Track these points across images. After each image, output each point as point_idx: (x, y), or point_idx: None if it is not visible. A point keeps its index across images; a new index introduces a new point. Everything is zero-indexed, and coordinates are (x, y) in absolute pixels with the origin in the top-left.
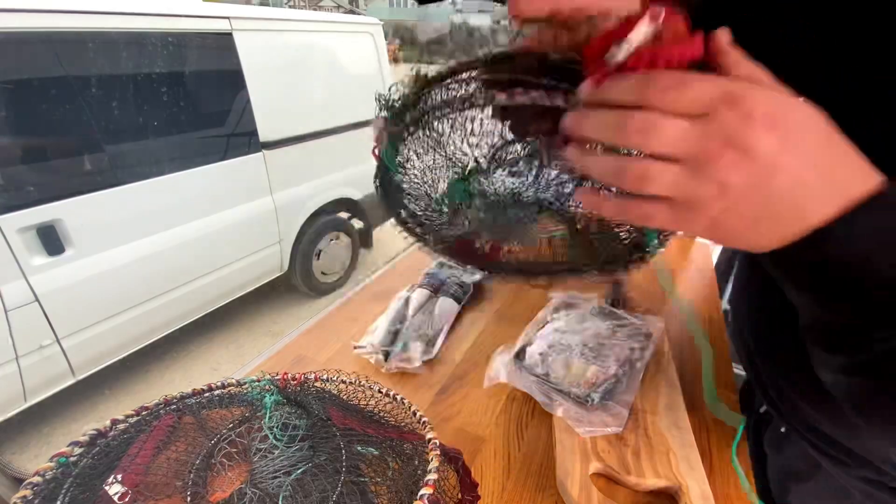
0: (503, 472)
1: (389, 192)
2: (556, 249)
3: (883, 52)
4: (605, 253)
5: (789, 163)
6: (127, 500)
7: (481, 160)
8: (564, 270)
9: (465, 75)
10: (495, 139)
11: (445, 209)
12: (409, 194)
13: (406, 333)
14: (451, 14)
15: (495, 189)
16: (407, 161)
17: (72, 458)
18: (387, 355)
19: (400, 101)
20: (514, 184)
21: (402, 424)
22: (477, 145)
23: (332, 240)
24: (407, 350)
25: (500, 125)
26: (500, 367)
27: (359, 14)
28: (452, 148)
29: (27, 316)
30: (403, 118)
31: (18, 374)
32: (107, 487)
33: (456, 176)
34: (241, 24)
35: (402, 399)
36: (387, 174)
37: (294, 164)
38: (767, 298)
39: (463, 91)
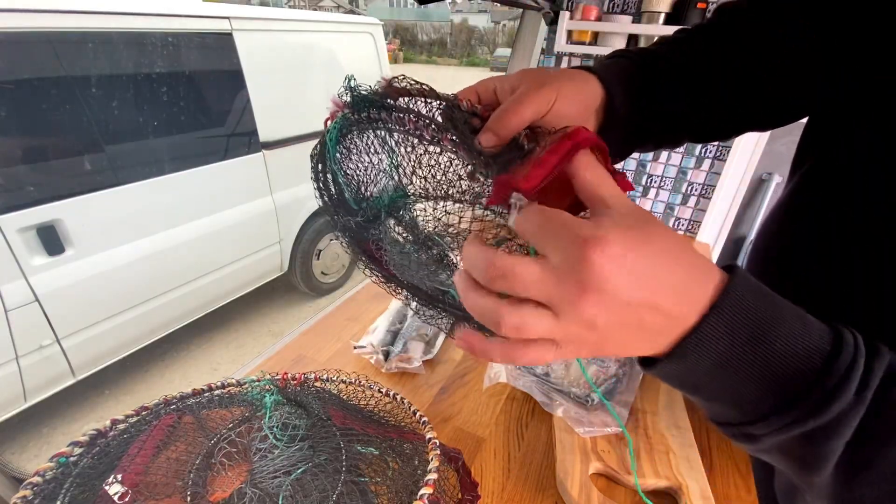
0: (503, 472)
1: (324, 160)
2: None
3: (883, 52)
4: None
5: (626, 307)
6: (127, 499)
7: (416, 188)
8: (449, 310)
9: (430, 105)
10: (439, 177)
11: (364, 208)
12: (343, 173)
13: (406, 333)
14: (450, 14)
15: (415, 224)
16: (348, 151)
17: (72, 458)
18: (387, 355)
19: (362, 95)
20: (432, 228)
21: (402, 424)
22: (420, 174)
23: (332, 240)
24: (407, 350)
25: (450, 165)
26: (500, 367)
27: (359, 14)
28: (394, 163)
29: (27, 316)
30: (360, 111)
31: (18, 374)
32: (107, 487)
33: (386, 190)
34: (241, 24)
35: (402, 399)
36: (321, 157)
37: (294, 164)
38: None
39: (416, 120)
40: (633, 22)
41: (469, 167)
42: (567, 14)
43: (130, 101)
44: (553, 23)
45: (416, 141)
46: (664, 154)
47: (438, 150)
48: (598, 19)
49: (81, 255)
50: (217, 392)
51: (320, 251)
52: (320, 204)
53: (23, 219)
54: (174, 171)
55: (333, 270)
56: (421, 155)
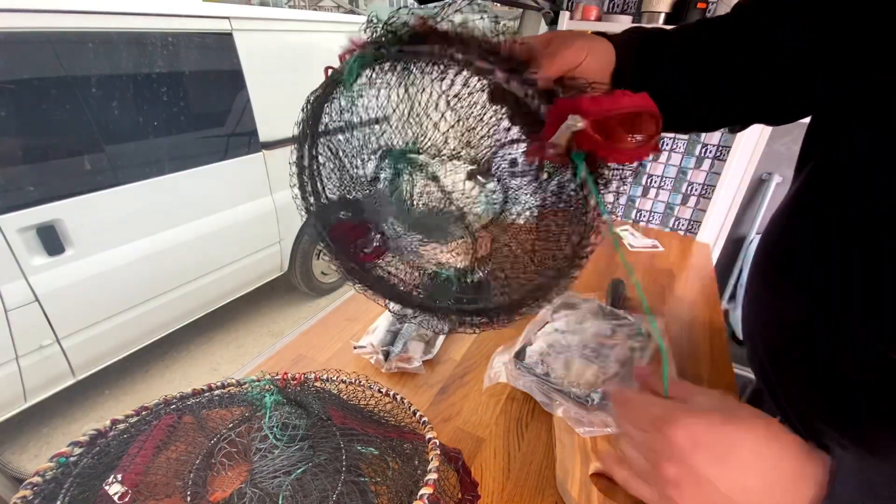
0: (503, 472)
1: (315, 116)
2: (425, 280)
3: (883, 52)
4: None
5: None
6: (127, 499)
7: (445, 146)
8: (422, 305)
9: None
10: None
11: (367, 168)
12: (336, 131)
13: (406, 333)
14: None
15: (435, 184)
16: (360, 92)
17: (72, 458)
18: (387, 355)
19: (394, 31)
20: (457, 190)
21: (402, 424)
22: (452, 127)
23: None
24: (407, 350)
25: (491, 119)
26: (500, 367)
27: (359, 14)
28: (417, 112)
29: (27, 316)
30: (388, 48)
31: (18, 374)
32: (107, 487)
33: (406, 143)
34: (241, 24)
35: (402, 399)
36: (325, 99)
37: None
38: (780, 306)
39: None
40: (633, 22)
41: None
42: (567, 14)
43: (130, 101)
44: (553, 23)
45: (453, 74)
46: (664, 154)
47: (479, 86)
48: (598, 19)
49: (81, 255)
50: (217, 392)
51: (320, 251)
52: (302, 179)
53: (23, 219)
54: (174, 171)
55: (333, 270)
56: (453, 94)
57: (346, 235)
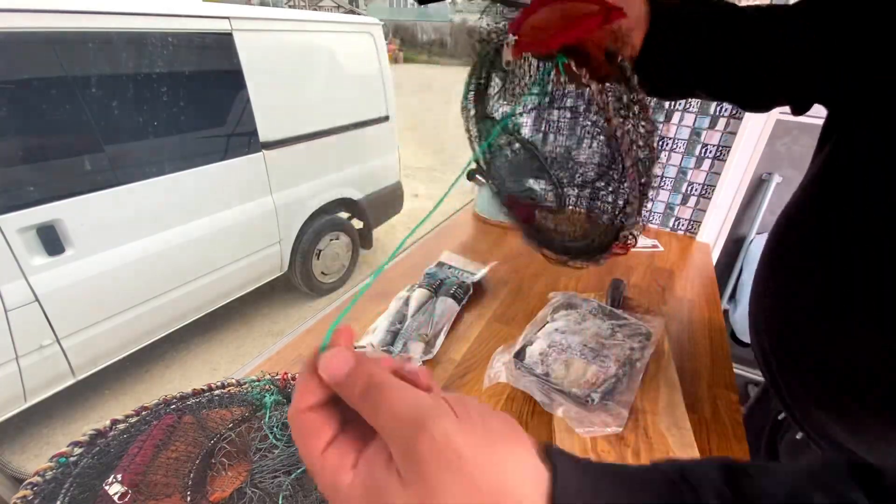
0: None
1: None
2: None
3: (883, 52)
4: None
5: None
6: (126, 499)
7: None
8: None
9: None
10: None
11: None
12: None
13: (406, 333)
14: (451, 14)
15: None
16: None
17: (71, 459)
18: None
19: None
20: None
21: None
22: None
23: (332, 240)
24: (407, 350)
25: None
26: (500, 367)
27: (359, 14)
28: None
29: (27, 316)
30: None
31: (18, 374)
32: (107, 487)
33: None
34: (241, 24)
35: None
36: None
37: (294, 164)
38: (785, 302)
39: None
40: None
41: None
42: None
43: (130, 101)
44: None
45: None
46: (664, 154)
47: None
48: None
49: (81, 255)
50: (217, 392)
51: (320, 251)
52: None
53: (23, 219)
54: (174, 170)
55: (333, 270)
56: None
57: (515, 203)
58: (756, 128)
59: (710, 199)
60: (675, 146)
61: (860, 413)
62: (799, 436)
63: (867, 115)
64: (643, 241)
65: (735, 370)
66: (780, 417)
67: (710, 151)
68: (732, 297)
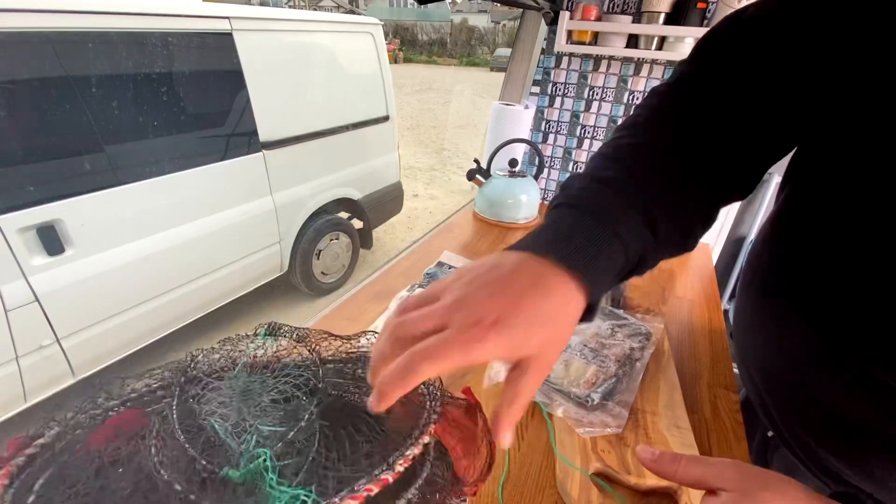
0: (503, 472)
1: None
2: None
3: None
4: None
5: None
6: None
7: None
8: None
9: None
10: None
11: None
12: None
13: None
14: (451, 14)
15: None
16: None
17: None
18: None
19: None
20: None
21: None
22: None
23: (332, 240)
24: None
25: None
26: (500, 368)
27: (359, 14)
28: None
29: (27, 316)
30: None
31: (18, 374)
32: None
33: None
34: (241, 24)
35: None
36: None
37: (294, 164)
38: (776, 334)
39: None
40: (633, 22)
41: None
42: (567, 14)
43: (130, 101)
44: (553, 23)
45: None
46: None
47: None
48: (598, 19)
49: (81, 255)
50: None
51: (320, 251)
52: None
53: (23, 219)
54: (174, 171)
55: (333, 270)
56: None
57: None
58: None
59: None
60: None
61: (859, 446)
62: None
63: (838, 143)
64: None
65: (735, 370)
66: (769, 434)
67: None
68: (732, 297)
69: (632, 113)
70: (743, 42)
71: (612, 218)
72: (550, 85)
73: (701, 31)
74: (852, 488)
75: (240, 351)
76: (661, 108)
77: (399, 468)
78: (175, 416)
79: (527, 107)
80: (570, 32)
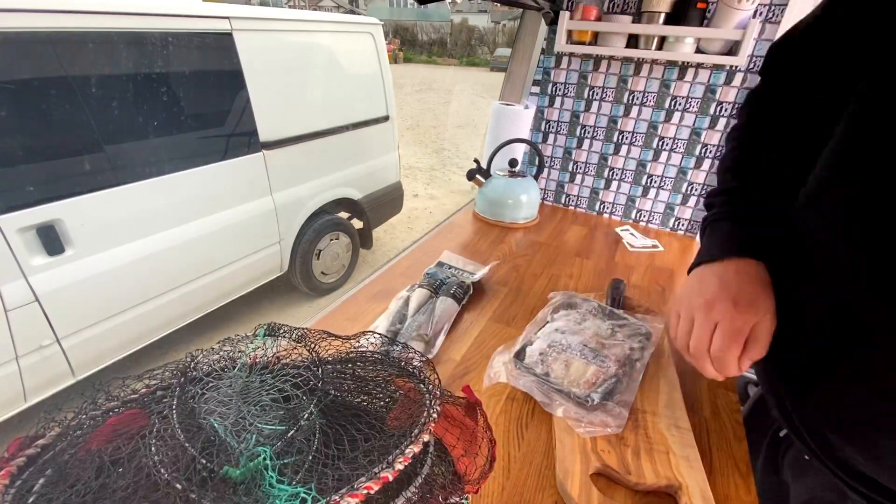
0: (503, 472)
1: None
2: None
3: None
4: None
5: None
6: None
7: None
8: None
9: None
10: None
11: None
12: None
13: (406, 333)
14: (451, 14)
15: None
16: None
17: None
18: None
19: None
20: None
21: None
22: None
23: (332, 240)
24: (407, 350)
25: None
26: (500, 367)
27: (359, 14)
28: None
29: (27, 316)
30: None
31: (18, 374)
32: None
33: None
34: (241, 24)
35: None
36: None
37: (294, 164)
38: (791, 324)
39: None
40: (633, 22)
41: None
42: (567, 14)
43: (130, 101)
44: (553, 23)
45: None
46: (664, 154)
47: None
48: (598, 19)
49: (81, 255)
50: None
51: (320, 251)
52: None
53: (23, 219)
54: (174, 171)
55: (333, 270)
56: None
57: None
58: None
59: None
60: (675, 146)
61: (876, 436)
62: (808, 456)
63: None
64: (643, 241)
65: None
66: (781, 434)
67: (710, 151)
68: None
69: (735, 122)
70: (799, 51)
71: (745, 218)
72: (550, 85)
73: (701, 31)
74: (867, 481)
75: (240, 351)
76: (752, 115)
77: (399, 466)
78: (175, 415)
79: (527, 107)
80: (570, 32)
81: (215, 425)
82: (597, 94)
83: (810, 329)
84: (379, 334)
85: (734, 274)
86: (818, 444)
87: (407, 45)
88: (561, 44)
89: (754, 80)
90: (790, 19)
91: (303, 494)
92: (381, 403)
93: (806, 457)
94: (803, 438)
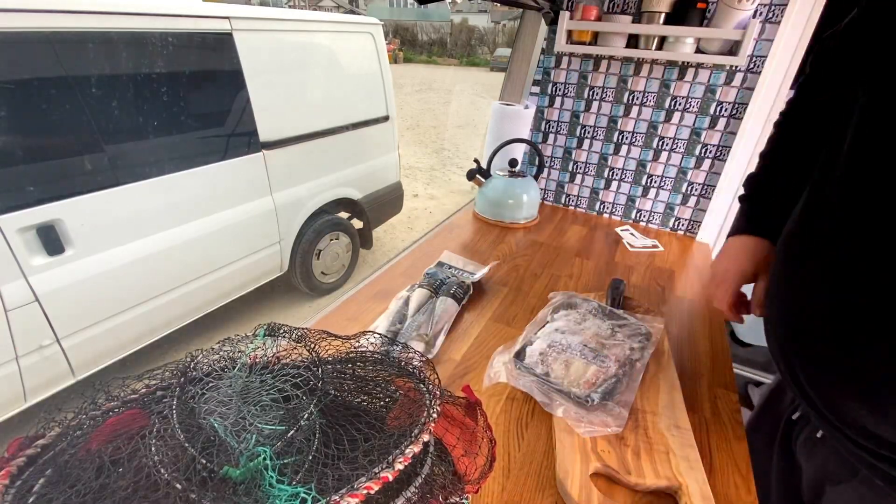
0: (503, 471)
1: None
2: None
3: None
4: None
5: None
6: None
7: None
8: None
9: None
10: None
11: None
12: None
13: (406, 333)
14: (451, 14)
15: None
16: None
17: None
18: None
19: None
20: None
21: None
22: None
23: (332, 240)
24: (407, 350)
25: None
26: (500, 367)
27: (359, 14)
28: None
29: (27, 316)
30: None
31: (18, 374)
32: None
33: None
34: (241, 24)
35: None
36: None
37: (294, 164)
38: (807, 295)
39: None
40: (633, 22)
41: None
42: (567, 14)
43: (130, 101)
44: (553, 23)
45: None
46: (664, 154)
47: None
48: (598, 19)
49: (81, 255)
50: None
51: (320, 251)
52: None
53: (23, 219)
54: (174, 171)
55: (333, 270)
56: None
57: None
58: (756, 128)
59: (710, 199)
60: (675, 146)
61: (890, 398)
62: (820, 434)
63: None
64: (643, 241)
65: (735, 370)
66: (794, 417)
67: (710, 151)
68: None
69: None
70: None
71: (760, 202)
72: (550, 85)
73: (701, 31)
74: (885, 446)
75: (239, 351)
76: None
77: (399, 466)
78: (175, 415)
79: (527, 107)
80: (570, 32)
81: (215, 425)
82: (597, 94)
83: (825, 294)
84: (379, 334)
85: (732, 247)
86: (834, 413)
87: (407, 45)
88: (561, 44)
89: (754, 80)
90: (790, 19)
91: (303, 494)
92: (381, 403)
93: (818, 435)
94: (819, 410)
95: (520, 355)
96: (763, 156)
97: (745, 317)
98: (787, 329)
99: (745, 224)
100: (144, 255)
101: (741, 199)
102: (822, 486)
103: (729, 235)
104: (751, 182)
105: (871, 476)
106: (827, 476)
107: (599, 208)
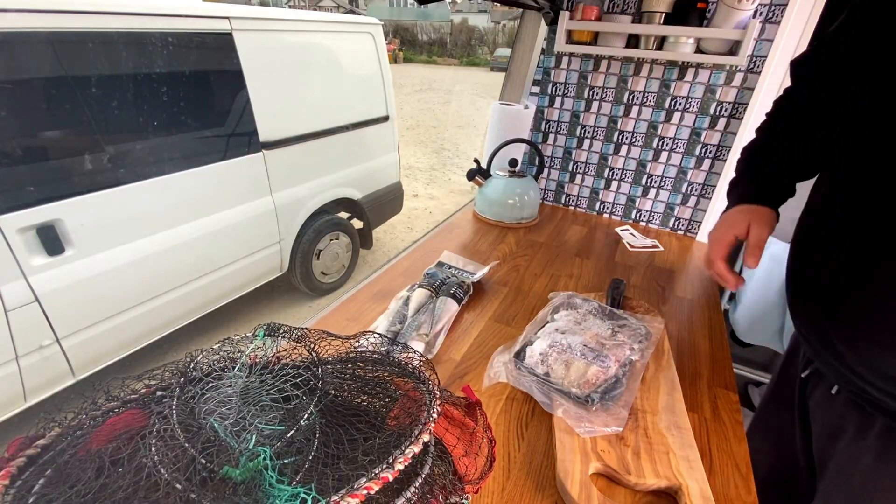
0: (503, 472)
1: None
2: None
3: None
4: None
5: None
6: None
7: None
8: None
9: None
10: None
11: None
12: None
13: (406, 333)
14: (451, 14)
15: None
16: None
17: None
18: None
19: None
20: None
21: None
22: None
23: (332, 240)
24: (407, 350)
25: None
26: (500, 367)
27: (359, 14)
28: None
29: (27, 316)
30: None
31: (18, 374)
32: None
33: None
34: (241, 24)
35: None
36: None
37: (294, 164)
38: (832, 250)
39: None
40: (633, 22)
41: None
42: (567, 14)
43: (130, 101)
44: (553, 23)
45: None
46: (664, 154)
47: None
48: (598, 19)
49: (81, 255)
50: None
51: (320, 251)
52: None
53: (23, 219)
54: (174, 171)
55: (333, 270)
56: None
57: None
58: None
59: (709, 199)
60: (675, 146)
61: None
62: (834, 390)
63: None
64: (643, 241)
65: (735, 370)
66: (803, 375)
67: (710, 151)
68: (732, 297)
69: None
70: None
71: (754, 183)
72: (550, 85)
73: (701, 31)
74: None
75: (239, 351)
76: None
77: (399, 466)
78: (175, 415)
79: (527, 107)
80: (570, 32)
81: (215, 425)
82: (597, 94)
83: (838, 246)
84: (379, 334)
85: (730, 214)
86: (868, 367)
87: (407, 45)
88: (561, 44)
89: (754, 80)
90: (790, 19)
91: (303, 494)
92: (381, 403)
93: (833, 391)
94: (845, 365)
95: (520, 355)
96: (760, 130)
97: (744, 317)
98: (807, 290)
99: (744, 195)
100: (144, 255)
101: (738, 169)
102: (833, 439)
103: (726, 209)
104: (748, 154)
105: (891, 423)
106: (837, 429)
107: (599, 208)
